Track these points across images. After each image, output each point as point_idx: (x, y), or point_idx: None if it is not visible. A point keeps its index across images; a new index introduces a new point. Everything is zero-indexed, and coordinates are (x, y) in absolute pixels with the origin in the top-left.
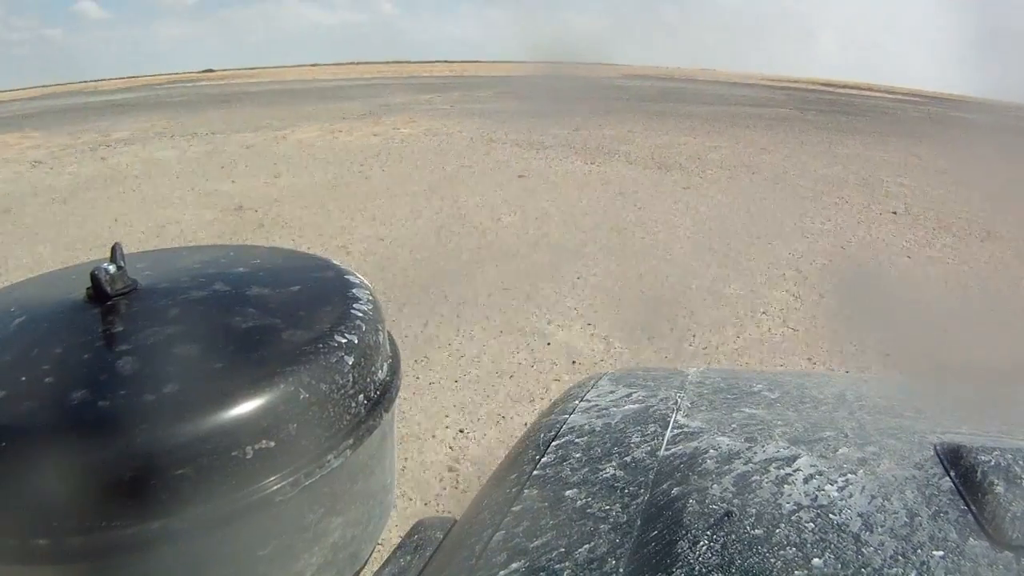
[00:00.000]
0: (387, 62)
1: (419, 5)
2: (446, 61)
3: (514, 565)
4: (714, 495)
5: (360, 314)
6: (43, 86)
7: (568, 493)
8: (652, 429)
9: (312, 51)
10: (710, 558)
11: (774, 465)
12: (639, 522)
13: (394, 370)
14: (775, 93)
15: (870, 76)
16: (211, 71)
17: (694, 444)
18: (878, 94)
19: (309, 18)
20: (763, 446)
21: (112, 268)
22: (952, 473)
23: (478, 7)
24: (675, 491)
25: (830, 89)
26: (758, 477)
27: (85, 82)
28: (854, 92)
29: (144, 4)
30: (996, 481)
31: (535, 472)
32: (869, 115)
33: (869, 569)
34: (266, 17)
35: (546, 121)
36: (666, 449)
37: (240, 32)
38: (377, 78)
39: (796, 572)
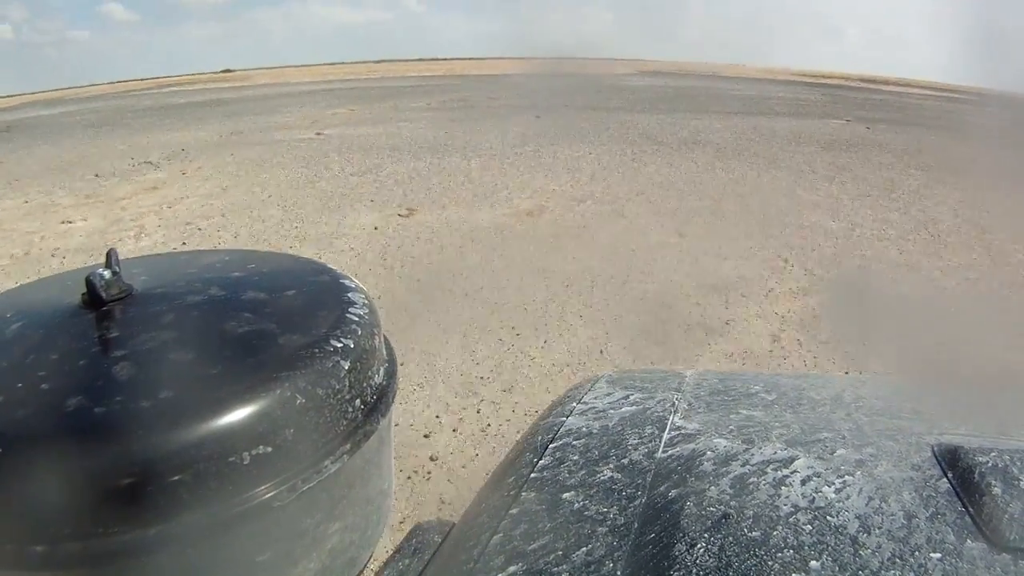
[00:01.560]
0: (408, 60)
1: (446, 2)
2: (458, 59)
3: (512, 568)
4: (712, 497)
5: (356, 318)
6: (21, 93)
7: (566, 496)
8: (649, 431)
9: (340, 50)
10: (707, 561)
11: (771, 467)
12: (636, 525)
13: (391, 374)
14: (813, 92)
15: (883, 68)
16: (229, 71)
17: (691, 446)
18: (921, 91)
19: (337, 17)
20: (760, 448)
21: (107, 273)
22: (950, 474)
23: (504, 3)
24: (672, 493)
25: (871, 86)
26: (755, 479)
27: (67, 88)
28: (897, 90)
29: (170, 5)
30: (994, 482)
31: (532, 475)
32: (946, 127)
33: (866, 572)
34: (293, 16)
35: (418, 171)
36: (663, 451)
37: (267, 32)
38: (357, 79)
39: (793, 575)
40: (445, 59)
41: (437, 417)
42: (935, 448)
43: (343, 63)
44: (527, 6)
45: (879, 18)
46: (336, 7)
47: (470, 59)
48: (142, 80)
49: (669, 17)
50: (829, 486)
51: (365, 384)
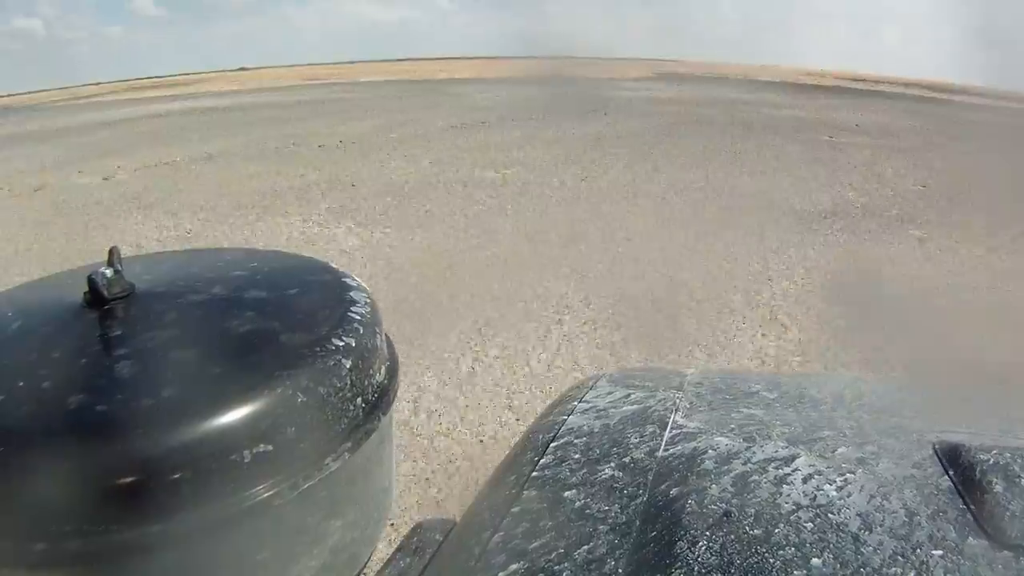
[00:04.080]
0: (427, 59)
1: (475, 1)
2: (478, 58)
3: (513, 567)
4: (713, 495)
5: (358, 317)
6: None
7: (567, 494)
8: (651, 430)
9: (370, 48)
10: (709, 558)
11: (773, 465)
12: (638, 523)
13: (392, 373)
14: (889, 110)
15: (911, 69)
16: (245, 69)
17: (693, 445)
18: (999, 103)
19: (369, 15)
20: (762, 446)
21: (109, 272)
22: (951, 472)
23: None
24: (674, 492)
25: (937, 96)
26: (757, 477)
27: (65, 87)
28: (970, 101)
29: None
30: (995, 480)
31: (534, 473)
32: None
33: (868, 569)
34: (323, 14)
35: None
36: (665, 450)
37: (298, 29)
38: (295, 87)
39: (795, 572)
40: (465, 58)
41: None
42: (936, 446)
43: (363, 62)
44: (554, 5)
45: (909, 18)
46: (367, 5)
47: (485, 59)
48: (119, 83)
49: (700, 16)
50: (830, 484)
51: (367, 382)
